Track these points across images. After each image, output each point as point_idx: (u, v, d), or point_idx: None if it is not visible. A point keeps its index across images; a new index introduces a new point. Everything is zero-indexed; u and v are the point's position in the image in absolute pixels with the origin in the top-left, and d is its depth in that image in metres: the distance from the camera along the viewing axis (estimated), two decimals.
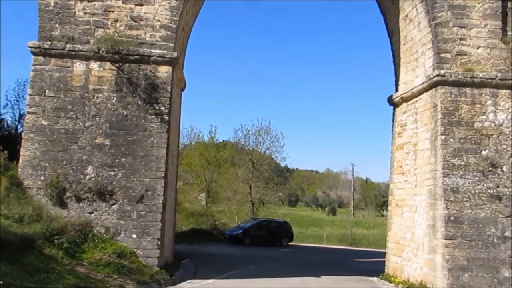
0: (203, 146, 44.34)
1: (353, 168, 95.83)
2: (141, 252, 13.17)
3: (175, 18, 14.53)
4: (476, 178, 13.77)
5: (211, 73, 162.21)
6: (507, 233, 13.45)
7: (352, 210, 77.40)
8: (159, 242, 13.36)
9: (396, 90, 17.74)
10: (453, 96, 14.20)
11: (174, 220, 17.38)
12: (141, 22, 14.40)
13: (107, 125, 13.82)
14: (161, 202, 13.57)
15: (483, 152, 13.94)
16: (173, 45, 14.39)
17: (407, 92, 16.36)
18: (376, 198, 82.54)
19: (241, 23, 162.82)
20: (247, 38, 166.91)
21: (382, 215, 66.58)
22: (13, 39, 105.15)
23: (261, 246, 28.51)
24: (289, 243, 31.74)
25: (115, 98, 13.97)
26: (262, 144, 42.17)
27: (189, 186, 46.15)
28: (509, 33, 14.51)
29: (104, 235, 12.98)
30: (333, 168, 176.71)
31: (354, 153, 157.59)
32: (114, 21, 14.35)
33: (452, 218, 13.51)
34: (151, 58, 14.17)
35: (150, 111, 14.00)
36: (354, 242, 41.01)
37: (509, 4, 14.59)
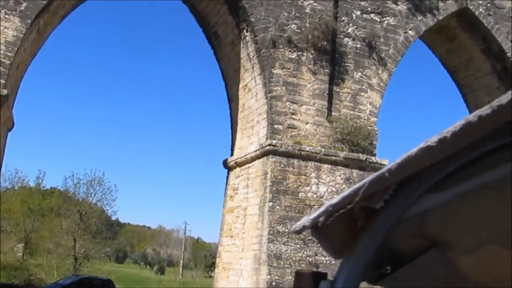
0: (27, 192, 40.85)
1: (185, 227, 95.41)
2: None
3: (10, 54, 13.54)
4: (298, 246, 14.53)
5: (49, 115, 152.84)
6: None
7: (181, 270, 76.27)
8: None
9: (232, 154, 18.31)
10: (282, 165, 15.05)
11: None
12: None
13: None
14: None
15: None
16: (4, 81, 13.32)
17: (242, 157, 16.98)
18: (206, 258, 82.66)
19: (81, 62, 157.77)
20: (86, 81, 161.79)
21: (211, 276, 66.67)
22: None
23: None
24: None
25: None
26: (93, 195, 40.18)
27: (5, 235, 41.82)
28: (333, 113, 16.00)
29: None
30: (166, 225, 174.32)
31: (188, 212, 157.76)
32: None
33: (273, 283, 13.97)
34: None
35: None
36: None
37: (334, 88, 16.17)
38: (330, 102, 15.96)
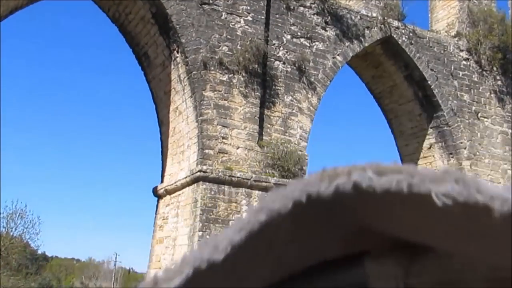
0: None
1: (116, 258, 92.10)
2: None
3: None
4: None
5: None
6: None
7: None
8: None
9: (162, 181, 17.67)
10: (212, 193, 14.59)
11: None
12: None
13: None
14: None
15: None
16: None
17: (172, 184, 16.38)
18: None
19: None
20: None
21: None
22: None
23: None
24: None
25: None
26: (14, 229, 37.77)
27: None
28: (264, 137, 15.81)
29: None
30: (96, 257, 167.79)
31: (119, 242, 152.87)
32: None
33: None
34: None
35: None
36: None
37: (266, 111, 16.02)
38: (261, 126, 15.77)
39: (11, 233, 38.03)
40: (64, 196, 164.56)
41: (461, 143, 19.28)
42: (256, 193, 15.13)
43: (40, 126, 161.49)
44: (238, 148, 15.34)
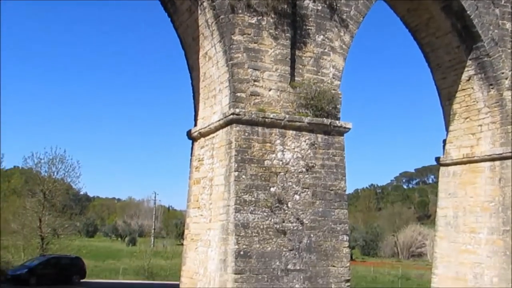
0: None
1: (155, 197, 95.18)
2: None
3: None
4: (265, 214, 14.44)
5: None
6: (289, 266, 14.30)
7: (152, 240, 76.39)
8: None
9: (195, 124, 17.95)
10: (246, 134, 14.80)
11: None
12: None
13: None
14: None
15: (272, 189, 14.71)
16: None
17: (205, 127, 16.64)
18: (177, 226, 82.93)
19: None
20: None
21: (183, 244, 66.85)
22: None
23: (49, 286, 26.19)
24: (82, 280, 29.79)
25: None
26: (56, 173, 39.35)
27: None
28: (296, 78, 15.73)
29: None
30: (136, 196, 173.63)
31: (157, 182, 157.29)
32: None
33: (241, 252, 13.90)
34: None
35: None
36: (151, 275, 40.20)
37: (297, 52, 15.84)
38: (292, 67, 15.65)
39: (54, 177, 39.64)
40: (104, 141, 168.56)
41: (502, 73, 18.82)
42: (290, 132, 15.26)
43: (77, 74, 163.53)
44: (270, 90, 15.35)
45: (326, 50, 16.07)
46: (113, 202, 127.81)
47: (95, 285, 28.89)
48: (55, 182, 39.28)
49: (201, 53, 16.95)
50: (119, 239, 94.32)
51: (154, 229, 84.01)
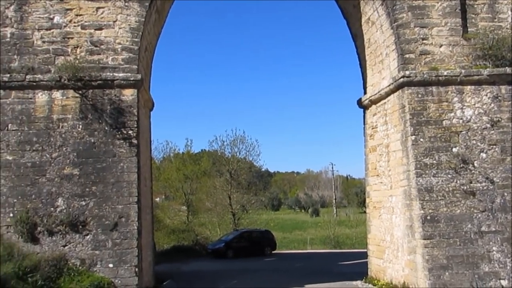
0: (180, 161, 44.12)
1: (332, 168, 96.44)
2: (119, 281, 12.90)
3: (136, 39, 14.31)
4: (449, 176, 13.84)
5: (180, 87, 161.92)
6: (483, 228, 13.54)
7: (334, 210, 77.67)
8: (136, 269, 13.10)
9: (365, 92, 17.80)
10: (420, 96, 14.27)
11: (152, 243, 17.12)
12: (102, 46, 14.15)
13: (75, 154, 13.52)
14: (136, 228, 13.32)
15: (454, 149, 14.03)
16: (136, 67, 14.17)
17: (375, 94, 16.42)
18: (358, 195, 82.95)
19: (209, 34, 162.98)
20: (213, 50, 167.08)
21: (365, 212, 66.85)
22: None
23: (244, 258, 28.33)
24: (273, 252, 31.60)
25: (80, 126, 13.69)
26: (238, 153, 42.18)
27: (169, 201, 45.77)
28: (469, 29, 14.65)
29: (80, 267, 12.67)
30: (313, 168, 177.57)
31: (333, 151, 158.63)
32: (74, 47, 14.07)
33: (428, 217, 13.55)
34: (115, 82, 13.92)
35: (117, 136, 13.76)
36: (337, 244, 41.05)
37: (467, 1, 14.73)
38: (464, 18, 14.58)
39: (237, 157, 42.50)
40: (278, 119, 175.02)
41: None
42: (468, 88, 14.33)
43: (242, 53, 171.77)
44: (441, 46, 14.53)
45: None
46: (292, 175, 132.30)
47: (287, 255, 30.47)
48: (239, 161, 42.15)
49: (363, 20, 16.66)
50: (303, 210, 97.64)
51: (335, 199, 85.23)
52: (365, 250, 18.03)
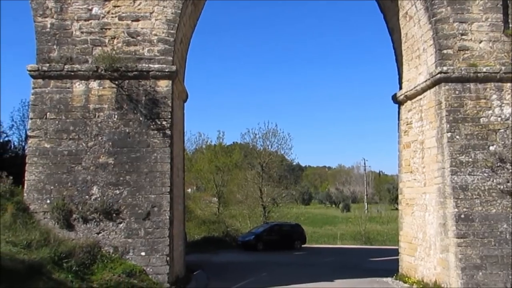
0: (212, 152, 44.37)
1: (365, 163, 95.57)
2: (151, 270, 13.13)
3: (172, 31, 14.45)
4: (485, 174, 13.55)
5: (213, 80, 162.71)
6: None
7: (366, 206, 76.96)
8: (168, 258, 13.31)
9: (400, 88, 17.55)
10: (457, 92, 14.00)
11: (183, 233, 17.33)
12: (139, 38, 14.35)
13: (110, 143, 13.79)
14: (168, 217, 13.51)
15: (491, 148, 13.72)
16: (171, 58, 14.31)
17: (411, 90, 16.17)
18: (390, 191, 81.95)
19: (244, 27, 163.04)
20: (248, 43, 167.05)
21: (397, 209, 66.04)
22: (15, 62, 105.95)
23: (274, 251, 28.37)
24: (302, 246, 31.54)
25: (116, 116, 13.94)
26: (270, 147, 42.12)
27: (201, 192, 46.13)
28: (511, 25, 14.27)
29: (113, 255, 12.94)
30: (345, 163, 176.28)
31: (366, 147, 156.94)
32: (112, 38, 14.31)
33: (462, 216, 13.31)
34: (150, 73, 14.11)
35: (152, 126, 13.95)
36: (368, 240, 40.68)
37: None
38: (505, 13, 14.22)
39: (268, 150, 42.46)
40: (311, 112, 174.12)
41: None
42: (508, 85, 14.00)
43: (277, 50, 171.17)
44: (480, 42, 14.20)
45: None
46: (324, 170, 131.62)
47: (317, 250, 30.36)
48: (270, 154, 42.07)
49: (401, 14, 16.41)
50: (333, 205, 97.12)
51: (367, 194, 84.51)
52: (396, 247, 17.83)
